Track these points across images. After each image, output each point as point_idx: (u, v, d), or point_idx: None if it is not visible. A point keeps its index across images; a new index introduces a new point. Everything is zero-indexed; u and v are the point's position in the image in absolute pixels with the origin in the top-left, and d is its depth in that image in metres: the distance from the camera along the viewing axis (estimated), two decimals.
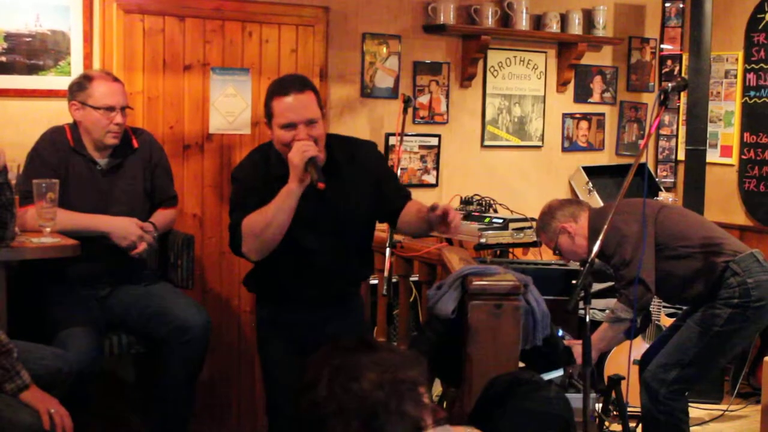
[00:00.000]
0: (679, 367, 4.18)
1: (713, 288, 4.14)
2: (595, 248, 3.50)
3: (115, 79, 4.16)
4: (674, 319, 4.57)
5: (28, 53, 4.51)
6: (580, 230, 4.38)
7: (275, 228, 3.27)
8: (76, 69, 4.56)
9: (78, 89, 4.07)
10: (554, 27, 6.13)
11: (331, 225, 3.46)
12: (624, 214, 4.09)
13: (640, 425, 4.51)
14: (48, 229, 3.73)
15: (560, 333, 4.23)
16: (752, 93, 6.48)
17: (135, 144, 4.22)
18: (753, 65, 6.46)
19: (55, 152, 4.05)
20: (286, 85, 3.42)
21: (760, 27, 6.40)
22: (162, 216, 4.26)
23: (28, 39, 4.51)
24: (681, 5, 6.57)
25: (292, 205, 3.27)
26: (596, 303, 5.50)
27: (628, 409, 4.63)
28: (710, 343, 4.14)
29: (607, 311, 4.25)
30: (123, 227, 4.01)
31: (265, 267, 3.52)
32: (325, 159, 3.42)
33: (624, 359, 4.67)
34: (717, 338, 4.14)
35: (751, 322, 4.17)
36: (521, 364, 3.71)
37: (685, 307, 4.50)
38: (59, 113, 4.28)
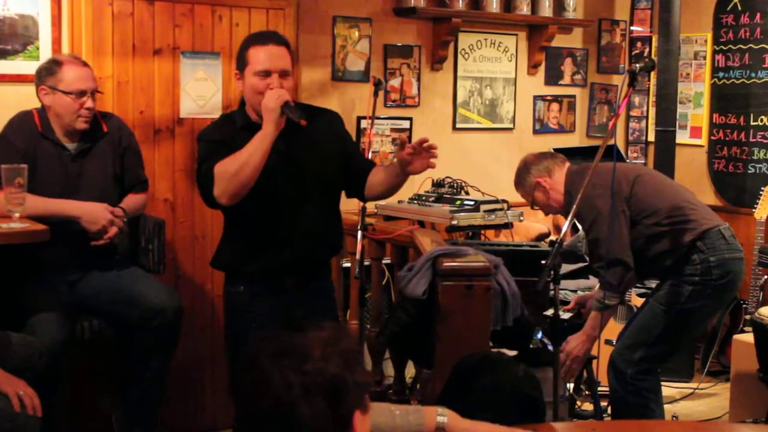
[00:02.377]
0: (645, 346, 4.20)
1: (678, 263, 4.17)
2: (565, 227, 3.51)
3: (84, 64, 4.13)
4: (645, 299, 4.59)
5: None
6: (556, 185, 4.38)
7: (249, 170, 3.27)
8: (45, 54, 4.51)
9: (47, 74, 4.03)
10: (525, 9, 6.13)
11: (299, 180, 3.47)
12: (599, 188, 4.08)
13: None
14: (17, 215, 3.70)
15: (539, 335, 4.23)
16: (721, 74, 6.50)
17: (104, 128, 4.19)
18: (722, 47, 6.48)
19: (23, 137, 4.01)
20: (265, 36, 3.55)
21: (729, 9, 6.42)
22: (132, 201, 4.24)
23: None
24: None
25: (266, 148, 3.28)
26: (566, 284, 5.52)
27: (600, 388, 4.66)
28: (674, 321, 4.16)
29: (593, 301, 4.24)
30: (93, 212, 3.98)
31: (235, 235, 3.52)
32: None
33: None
34: (680, 316, 4.16)
35: (713, 299, 4.20)
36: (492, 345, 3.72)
37: (653, 285, 4.51)
38: (28, 98, 4.23)
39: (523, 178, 4.49)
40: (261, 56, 3.40)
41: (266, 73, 3.39)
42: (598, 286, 4.27)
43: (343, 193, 3.73)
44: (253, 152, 3.28)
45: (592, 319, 4.21)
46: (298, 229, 3.48)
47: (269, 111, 3.29)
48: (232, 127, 3.51)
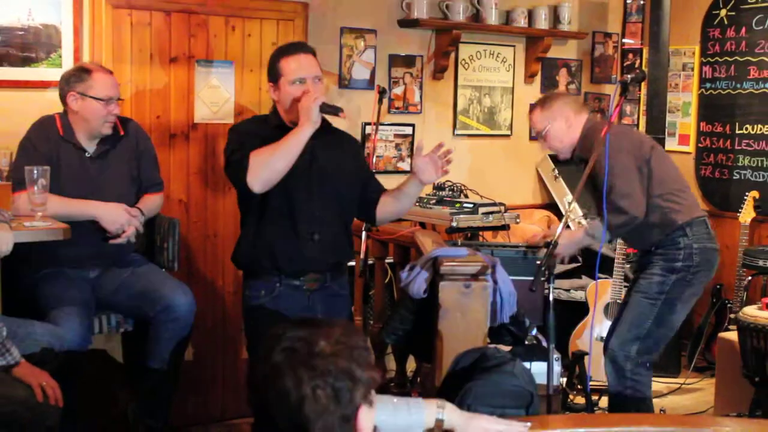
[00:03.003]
0: (639, 340, 4.21)
1: (663, 241, 4.19)
2: (559, 229, 3.53)
3: (110, 72, 4.16)
4: None
5: (21, 46, 4.48)
6: (576, 125, 4.32)
7: (283, 160, 3.33)
8: (67, 61, 4.53)
9: (77, 80, 4.03)
10: (522, 22, 6.13)
11: (321, 181, 3.52)
12: (625, 141, 4.13)
13: (603, 399, 4.54)
14: (39, 214, 3.71)
15: (534, 332, 4.24)
16: (708, 85, 6.51)
17: (122, 132, 4.20)
18: (709, 58, 6.49)
19: (46, 141, 4.02)
20: (293, 46, 3.63)
21: (716, 22, 6.43)
22: (148, 201, 4.25)
23: (20, 32, 4.47)
24: (641, 2, 6.59)
25: (302, 142, 3.35)
26: (560, 283, 5.53)
27: (591, 383, 4.67)
28: (661, 310, 4.19)
29: (584, 222, 4.26)
30: (111, 212, 3.99)
31: (259, 230, 3.53)
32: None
33: (587, 336, 4.71)
34: (666, 305, 4.19)
35: (694, 286, 4.23)
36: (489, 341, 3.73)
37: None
38: (50, 103, 4.24)
39: (550, 104, 4.37)
40: (293, 66, 3.47)
41: (302, 81, 3.46)
42: (592, 220, 4.22)
43: None
44: (289, 144, 3.33)
45: (575, 233, 4.28)
46: (315, 228, 3.50)
47: (306, 110, 3.35)
48: (265, 125, 3.57)
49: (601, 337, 4.80)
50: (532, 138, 6.46)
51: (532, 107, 4.50)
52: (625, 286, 5.30)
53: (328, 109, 3.41)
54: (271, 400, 1.77)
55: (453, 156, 3.54)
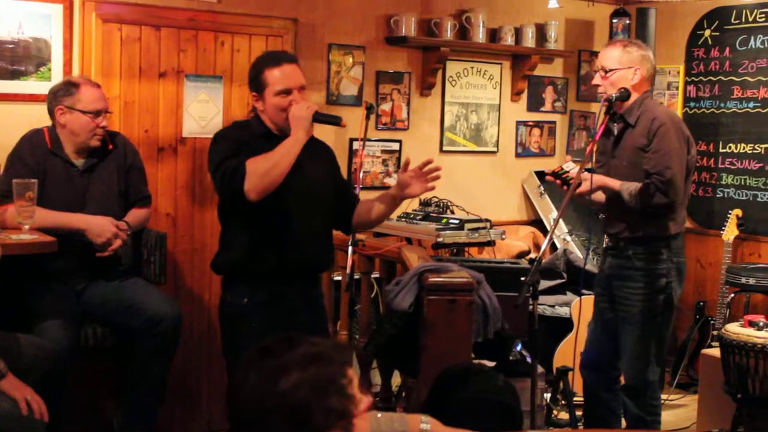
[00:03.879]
0: (649, 364, 4.21)
1: (648, 247, 4.15)
2: (544, 246, 3.53)
3: (97, 85, 4.17)
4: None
5: (11, 59, 4.47)
6: (639, 86, 4.15)
7: (280, 170, 3.30)
8: (57, 75, 4.52)
9: (65, 94, 4.04)
10: (509, 40, 6.16)
11: (307, 191, 3.50)
12: (681, 142, 4.06)
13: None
14: (27, 227, 3.70)
15: (518, 348, 4.23)
16: (692, 104, 6.55)
17: (110, 146, 4.20)
18: (693, 78, 6.53)
19: (34, 154, 4.02)
20: (277, 56, 3.59)
21: (700, 43, 6.47)
22: (136, 215, 4.24)
23: (10, 46, 4.47)
24: (627, 21, 6.62)
25: (296, 153, 3.33)
26: (544, 299, 5.53)
27: (575, 399, 4.67)
28: (656, 331, 4.20)
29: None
30: (98, 225, 3.99)
31: (242, 236, 3.51)
32: None
33: (571, 352, 4.70)
34: (663, 325, 4.22)
35: (674, 298, 4.23)
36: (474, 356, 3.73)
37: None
38: (39, 117, 4.24)
39: (634, 50, 4.18)
40: (278, 76, 3.44)
41: (287, 92, 3.43)
42: (640, 185, 4.05)
43: None
44: (285, 154, 3.32)
45: (613, 182, 4.11)
46: (298, 238, 3.48)
47: (301, 119, 3.35)
48: (248, 132, 3.53)
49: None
50: (517, 155, 6.48)
51: (613, 42, 4.31)
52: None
53: (323, 118, 3.41)
54: (235, 410, 1.80)
55: (440, 172, 3.54)
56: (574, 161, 4.35)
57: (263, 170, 3.29)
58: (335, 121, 3.45)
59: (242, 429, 1.81)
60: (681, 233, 4.24)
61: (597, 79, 4.24)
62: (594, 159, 4.31)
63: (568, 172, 4.15)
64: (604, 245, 4.48)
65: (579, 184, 3.90)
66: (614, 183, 4.09)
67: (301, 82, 3.48)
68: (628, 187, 4.05)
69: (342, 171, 3.97)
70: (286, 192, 3.41)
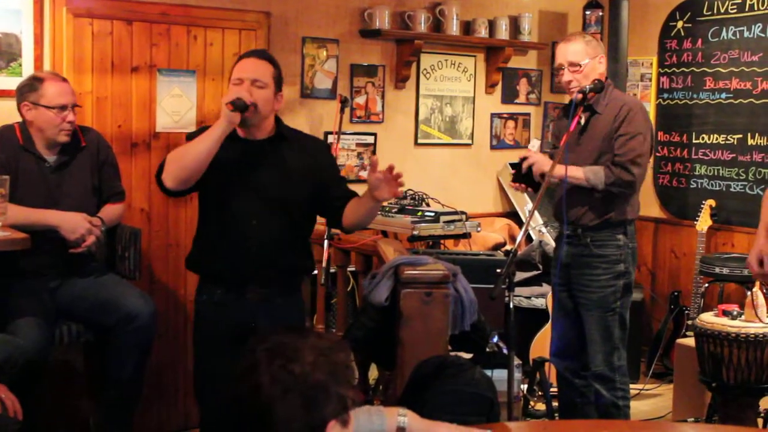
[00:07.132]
0: (615, 349, 4.29)
1: (608, 226, 4.22)
2: (519, 237, 3.53)
3: (64, 79, 4.12)
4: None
5: None
6: (603, 72, 4.28)
7: (191, 156, 3.28)
8: (27, 70, 4.48)
9: (29, 90, 4.01)
10: (483, 32, 6.16)
11: (257, 197, 3.39)
12: (648, 130, 4.21)
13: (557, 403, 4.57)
14: None
15: (495, 339, 4.23)
16: (665, 95, 6.58)
17: (83, 142, 4.17)
18: (666, 69, 6.55)
19: (5, 150, 3.98)
20: (250, 52, 3.58)
21: (673, 34, 6.50)
22: (110, 211, 4.21)
23: None
24: (600, 13, 6.64)
25: (214, 139, 3.27)
26: (520, 291, 5.55)
27: (552, 389, 4.68)
28: (617, 317, 4.28)
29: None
30: (72, 221, 3.95)
31: (201, 234, 3.50)
32: (274, 131, 3.46)
33: (548, 343, 4.72)
34: (622, 308, 4.29)
35: (632, 281, 4.33)
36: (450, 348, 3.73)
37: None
38: (11, 113, 4.19)
39: (593, 41, 4.31)
40: (239, 67, 3.42)
41: (239, 81, 3.37)
42: (601, 169, 4.15)
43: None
44: (199, 141, 3.30)
45: (586, 171, 4.15)
46: (253, 241, 3.38)
47: (223, 106, 3.29)
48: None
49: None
50: (492, 147, 6.49)
51: (570, 37, 4.37)
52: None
53: (237, 103, 3.26)
54: (243, 394, 1.78)
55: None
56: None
57: (176, 157, 3.32)
58: (240, 104, 3.26)
59: (255, 410, 1.79)
60: (635, 219, 4.35)
61: (567, 75, 4.27)
62: (552, 145, 4.59)
63: (530, 164, 4.18)
64: (558, 234, 4.50)
65: (558, 183, 4.06)
66: (578, 171, 4.16)
67: (255, 75, 3.34)
68: (592, 168, 4.15)
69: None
70: (245, 192, 3.37)
